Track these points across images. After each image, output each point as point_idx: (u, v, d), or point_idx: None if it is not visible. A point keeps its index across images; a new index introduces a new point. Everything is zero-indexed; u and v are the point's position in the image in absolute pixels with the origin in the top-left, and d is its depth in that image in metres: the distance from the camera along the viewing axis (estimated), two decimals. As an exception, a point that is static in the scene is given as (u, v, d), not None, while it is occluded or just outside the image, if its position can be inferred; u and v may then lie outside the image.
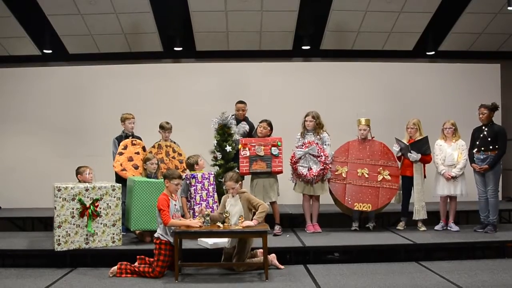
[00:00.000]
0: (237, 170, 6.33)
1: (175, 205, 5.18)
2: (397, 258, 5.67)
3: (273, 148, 6.43)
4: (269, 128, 6.62)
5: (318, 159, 6.46)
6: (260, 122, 6.67)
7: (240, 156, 6.50)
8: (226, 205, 5.32)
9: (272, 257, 5.31)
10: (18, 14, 8.13)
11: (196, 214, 5.89)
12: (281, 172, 6.47)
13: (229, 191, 5.31)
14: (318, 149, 6.48)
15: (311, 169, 6.47)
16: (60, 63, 9.24)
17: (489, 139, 6.34)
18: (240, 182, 5.36)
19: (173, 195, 5.22)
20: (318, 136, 6.59)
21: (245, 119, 7.22)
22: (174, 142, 6.96)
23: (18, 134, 8.99)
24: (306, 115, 6.64)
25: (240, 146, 6.53)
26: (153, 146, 6.77)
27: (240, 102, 7.23)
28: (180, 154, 6.83)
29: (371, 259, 5.69)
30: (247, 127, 7.10)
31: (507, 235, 6.23)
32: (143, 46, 9.01)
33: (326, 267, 5.30)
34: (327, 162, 6.49)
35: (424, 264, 5.40)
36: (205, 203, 6.11)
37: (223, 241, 5.55)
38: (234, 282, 4.84)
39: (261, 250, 5.27)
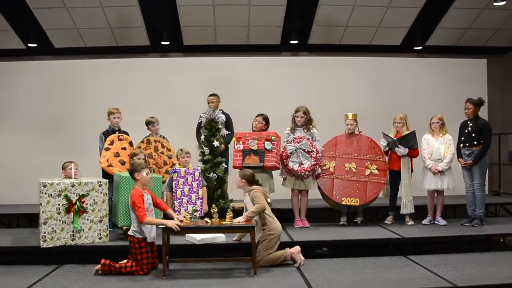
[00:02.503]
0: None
1: (147, 199, 5.07)
2: (385, 252, 5.69)
3: (266, 142, 6.37)
4: (264, 122, 6.61)
5: (310, 154, 6.45)
6: (256, 116, 6.65)
7: (234, 150, 6.47)
8: (245, 202, 5.41)
9: (294, 250, 5.22)
10: (2, 7, 7.99)
11: (176, 209, 5.88)
12: (274, 167, 6.42)
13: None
14: (310, 145, 6.47)
15: (302, 164, 6.45)
16: (46, 57, 9.13)
17: (473, 135, 6.38)
18: (244, 181, 5.32)
19: (144, 188, 5.11)
20: (308, 132, 6.57)
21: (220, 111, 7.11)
22: (164, 137, 6.91)
23: (2, 129, 8.88)
24: (297, 111, 6.60)
25: (234, 139, 6.51)
26: (142, 141, 6.70)
27: (212, 94, 7.24)
28: (169, 150, 6.77)
29: (359, 253, 5.69)
30: (223, 116, 6.91)
31: (494, 229, 6.30)
32: (130, 40, 8.92)
33: (314, 262, 5.29)
34: (318, 157, 6.49)
35: (412, 258, 5.42)
36: (186, 198, 6.06)
37: (211, 237, 5.53)
38: (222, 277, 4.82)
39: (297, 247, 5.26)
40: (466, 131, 6.45)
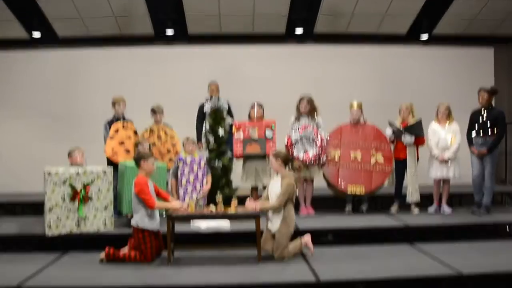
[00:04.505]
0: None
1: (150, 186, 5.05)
2: (390, 240, 5.67)
3: (267, 130, 6.43)
4: (261, 110, 6.60)
5: (315, 142, 6.43)
6: (253, 105, 6.63)
7: (234, 139, 6.47)
8: (270, 184, 5.15)
9: (307, 239, 5.12)
10: (5, -4, 7.99)
11: (181, 197, 5.89)
12: None
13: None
14: (314, 133, 6.44)
15: (307, 152, 6.43)
16: (50, 46, 9.10)
17: (488, 124, 6.30)
18: (280, 161, 5.06)
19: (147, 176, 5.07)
20: (313, 120, 6.54)
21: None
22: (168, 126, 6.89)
23: (8, 119, 8.92)
24: (301, 100, 6.57)
25: (234, 129, 6.50)
26: (146, 130, 6.70)
27: (213, 82, 7.25)
28: (172, 137, 6.76)
29: (364, 241, 5.68)
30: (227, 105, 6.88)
31: (500, 217, 6.27)
32: (134, 29, 8.90)
33: (319, 250, 5.25)
34: (323, 145, 6.46)
35: (417, 246, 5.41)
36: (191, 186, 6.06)
37: (216, 225, 5.52)
38: (227, 264, 4.81)
39: (308, 235, 5.17)
40: (481, 120, 6.38)
